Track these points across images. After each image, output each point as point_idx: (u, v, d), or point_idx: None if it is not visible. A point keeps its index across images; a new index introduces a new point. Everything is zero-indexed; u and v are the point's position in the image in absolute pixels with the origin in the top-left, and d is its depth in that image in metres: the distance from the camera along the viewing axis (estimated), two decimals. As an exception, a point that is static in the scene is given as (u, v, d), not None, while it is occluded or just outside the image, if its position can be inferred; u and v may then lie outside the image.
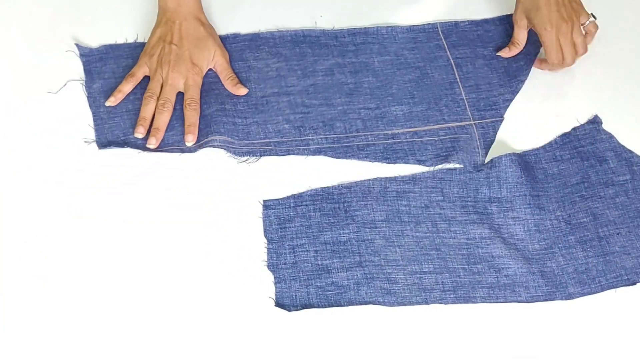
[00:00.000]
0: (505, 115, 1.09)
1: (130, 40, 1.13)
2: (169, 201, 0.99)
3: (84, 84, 1.08)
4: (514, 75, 1.12)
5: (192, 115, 1.04)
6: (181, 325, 0.90)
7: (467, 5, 1.20)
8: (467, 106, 1.09)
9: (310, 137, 1.05)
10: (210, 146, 1.02)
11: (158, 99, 1.04)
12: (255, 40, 1.13)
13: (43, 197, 0.98)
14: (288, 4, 1.18)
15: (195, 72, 1.06)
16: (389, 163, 1.04)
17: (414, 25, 1.17)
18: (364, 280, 0.94)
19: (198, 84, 1.06)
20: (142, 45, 1.11)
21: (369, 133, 1.06)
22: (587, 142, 1.07)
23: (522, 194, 1.01)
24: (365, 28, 1.16)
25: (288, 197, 1.00)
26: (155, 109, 1.04)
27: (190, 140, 1.03)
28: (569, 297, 0.95)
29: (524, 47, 1.14)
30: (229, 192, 1.00)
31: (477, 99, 1.10)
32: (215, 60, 1.09)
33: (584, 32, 1.11)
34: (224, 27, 1.15)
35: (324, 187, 1.01)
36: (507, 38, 1.16)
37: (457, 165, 1.03)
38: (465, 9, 1.19)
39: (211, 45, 1.08)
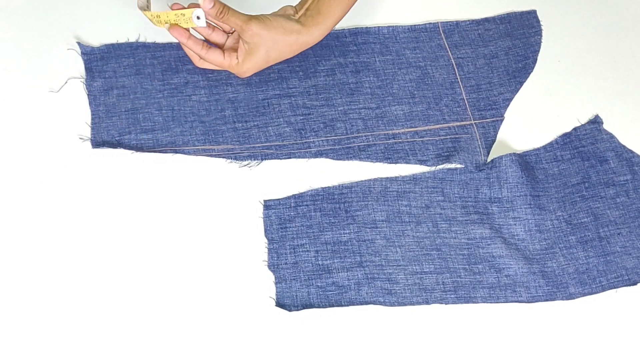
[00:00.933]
0: (505, 115, 1.09)
1: (132, 40, 1.12)
2: (169, 201, 0.99)
3: (85, 82, 1.08)
4: (514, 75, 1.13)
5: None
6: (181, 325, 0.90)
7: (468, 5, 1.20)
8: (467, 106, 1.10)
9: (312, 140, 1.05)
10: (208, 155, 1.02)
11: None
12: (256, 42, 1.13)
13: (43, 196, 0.98)
14: (288, 4, 1.18)
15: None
16: (389, 163, 1.04)
17: (415, 25, 1.17)
18: (365, 280, 0.94)
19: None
20: (143, 44, 1.11)
21: (369, 133, 1.06)
22: (587, 142, 1.07)
23: (523, 194, 1.01)
24: (367, 28, 1.16)
25: (289, 197, 1.00)
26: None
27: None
28: (570, 297, 0.95)
29: (525, 46, 1.14)
30: (229, 192, 1.00)
31: (478, 99, 1.10)
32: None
33: None
34: (225, 27, 1.15)
35: (325, 187, 1.01)
36: (509, 37, 1.16)
37: (458, 165, 1.03)
38: (466, 8, 1.19)
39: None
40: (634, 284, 0.96)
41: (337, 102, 1.08)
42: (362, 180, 1.02)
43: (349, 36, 1.15)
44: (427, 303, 0.94)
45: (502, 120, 1.09)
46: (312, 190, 1.01)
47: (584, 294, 0.96)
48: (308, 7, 1.07)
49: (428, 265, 0.96)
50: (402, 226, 0.99)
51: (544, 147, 1.06)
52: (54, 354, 0.88)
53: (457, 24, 1.17)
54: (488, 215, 1.00)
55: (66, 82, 1.07)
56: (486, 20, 1.18)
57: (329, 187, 1.01)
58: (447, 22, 1.18)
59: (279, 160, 1.03)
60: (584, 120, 1.09)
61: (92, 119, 1.05)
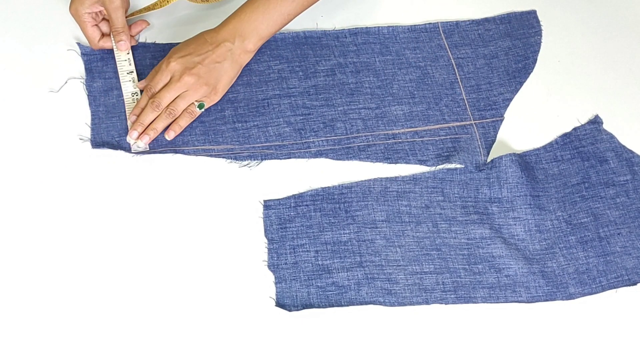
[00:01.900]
0: (505, 115, 1.09)
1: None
2: (169, 202, 0.99)
3: (85, 82, 1.08)
4: (514, 75, 1.13)
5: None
6: (182, 325, 0.90)
7: (468, 5, 1.19)
8: (467, 106, 1.09)
9: (311, 140, 1.05)
10: (207, 155, 1.02)
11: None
12: (257, 43, 1.13)
13: (43, 196, 0.98)
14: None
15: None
16: (389, 163, 1.04)
17: (415, 25, 1.17)
18: (365, 280, 0.94)
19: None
20: (143, 45, 1.11)
21: (369, 133, 1.06)
22: (587, 142, 1.07)
23: (523, 194, 1.01)
24: (367, 28, 1.16)
25: (289, 197, 1.00)
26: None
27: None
28: (570, 297, 0.95)
29: (525, 46, 1.14)
30: (229, 192, 1.00)
31: (478, 99, 1.10)
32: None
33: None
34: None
35: (325, 187, 1.01)
36: (508, 37, 1.16)
37: (458, 165, 1.03)
38: (466, 8, 1.19)
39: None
40: (634, 284, 0.96)
41: (337, 102, 1.08)
42: (362, 180, 1.02)
43: (349, 36, 1.15)
44: (427, 303, 0.94)
45: (502, 120, 1.09)
46: (312, 190, 1.01)
47: (584, 294, 0.96)
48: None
49: (428, 265, 0.96)
50: (402, 226, 0.99)
51: (544, 147, 1.06)
52: (53, 354, 0.88)
53: (457, 24, 1.17)
54: (488, 215, 1.00)
55: (66, 82, 1.08)
56: (486, 20, 1.18)
57: (329, 187, 1.01)
58: (447, 22, 1.17)
59: (279, 160, 1.03)
60: (584, 120, 1.09)
61: (92, 119, 1.05)
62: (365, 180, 1.02)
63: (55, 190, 0.98)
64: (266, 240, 0.97)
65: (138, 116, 1.02)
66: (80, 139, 1.03)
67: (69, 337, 0.89)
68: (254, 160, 1.03)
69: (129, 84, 1.07)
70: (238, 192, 1.00)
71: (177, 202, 0.99)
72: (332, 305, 0.93)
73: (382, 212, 1.00)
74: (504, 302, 0.94)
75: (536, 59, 1.14)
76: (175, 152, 1.02)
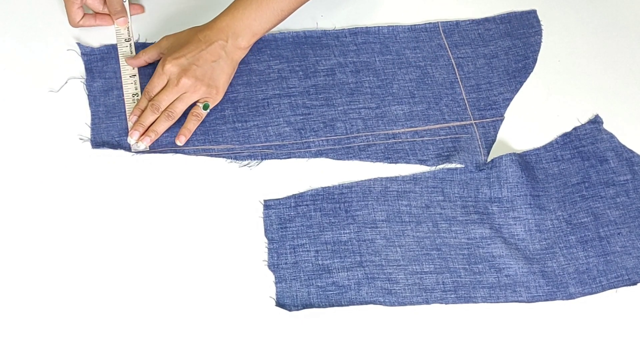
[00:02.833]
0: (505, 115, 1.09)
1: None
2: (169, 202, 0.99)
3: (85, 82, 1.08)
4: (514, 75, 1.13)
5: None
6: (182, 325, 0.90)
7: (468, 5, 1.19)
8: (467, 106, 1.10)
9: (311, 140, 1.05)
10: (207, 155, 1.02)
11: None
12: (257, 43, 1.13)
13: (42, 196, 0.98)
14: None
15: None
16: (390, 163, 1.04)
17: (415, 25, 1.17)
18: (365, 280, 0.94)
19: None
20: (143, 45, 1.11)
21: (369, 133, 1.06)
22: (587, 141, 1.07)
23: (523, 194, 1.01)
24: (367, 27, 1.16)
25: (289, 197, 1.00)
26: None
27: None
28: (570, 297, 0.95)
29: (525, 46, 1.14)
30: (229, 192, 1.00)
31: (478, 99, 1.10)
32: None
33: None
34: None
35: (325, 187, 1.01)
36: (508, 37, 1.16)
37: (458, 165, 1.03)
38: (466, 8, 1.19)
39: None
40: (634, 284, 0.96)
41: (337, 102, 1.08)
42: (362, 180, 1.02)
43: (349, 36, 1.15)
44: (427, 303, 0.94)
45: (502, 120, 1.09)
46: (312, 190, 1.01)
47: (584, 294, 0.96)
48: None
49: (428, 265, 0.96)
50: (402, 226, 0.99)
51: (544, 147, 1.06)
52: (53, 353, 0.88)
53: (457, 23, 1.17)
54: (488, 215, 1.00)
55: (66, 82, 1.08)
56: (486, 20, 1.18)
57: (329, 187, 1.01)
58: (447, 22, 1.18)
59: (279, 160, 1.03)
60: (584, 120, 1.09)
61: (92, 119, 1.05)
62: (365, 180, 1.02)
63: (55, 190, 0.98)
64: (266, 240, 0.97)
65: (139, 117, 1.02)
66: (80, 139, 1.03)
67: (69, 337, 0.89)
68: (254, 160, 1.03)
69: (130, 86, 1.07)
70: (238, 192, 1.00)
71: (177, 202, 0.99)
72: (332, 305, 0.93)
73: (382, 211, 1.00)
74: (504, 302, 0.94)
75: (536, 59, 1.14)
76: (175, 152, 1.03)
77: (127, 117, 1.04)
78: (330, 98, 1.09)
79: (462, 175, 1.03)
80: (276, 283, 0.94)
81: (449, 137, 1.07)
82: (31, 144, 1.02)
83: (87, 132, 1.03)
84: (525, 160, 1.04)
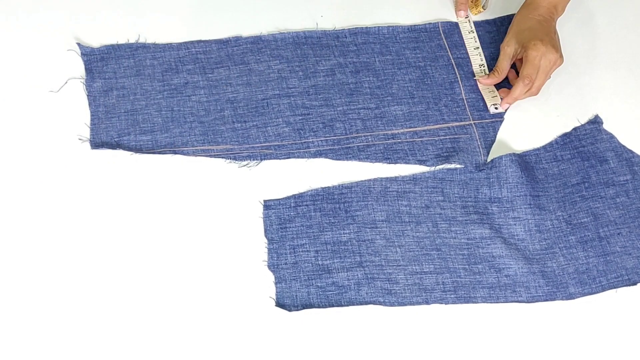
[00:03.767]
0: (505, 115, 1.09)
1: (132, 41, 1.12)
2: (169, 202, 0.99)
3: (85, 82, 1.08)
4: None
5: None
6: (182, 325, 0.90)
7: (468, 5, 1.20)
8: (466, 106, 1.09)
9: (311, 140, 1.05)
10: (207, 155, 1.02)
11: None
12: (257, 43, 1.13)
13: (42, 197, 0.98)
14: (289, 5, 1.18)
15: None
16: (389, 163, 1.04)
17: (415, 25, 1.17)
18: (365, 280, 0.94)
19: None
20: (143, 45, 1.12)
21: (369, 133, 1.06)
22: (587, 142, 1.07)
23: (523, 194, 1.01)
24: (367, 28, 1.16)
25: (288, 197, 1.00)
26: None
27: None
28: (570, 297, 0.95)
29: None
30: (229, 192, 1.00)
31: (477, 99, 1.10)
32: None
33: None
34: (226, 30, 1.14)
35: (325, 187, 1.01)
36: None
37: (458, 166, 1.03)
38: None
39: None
40: (634, 284, 0.96)
41: (337, 102, 1.08)
42: (362, 180, 1.02)
43: (349, 36, 1.15)
44: (427, 303, 0.94)
45: (502, 121, 1.09)
46: (312, 190, 1.01)
47: (584, 294, 0.95)
48: None
49: (428, 265, 0.96)
50: (402, 226, 0.99)
51: (544, 147, 1.06)
52: (53, 353, 0.88)
53: (457, 24, 1.17)
54: (488, 215, 1.00)
55: (66, 83, 1.08)
56: (486, 22, 1.18)
57: (328, 187, 1.01)
58: (447, 22, 1.18)
59: (279, 160, 1.03)
60: (584, 120, 1.09)
61: (92, 119, 1.05)
62: (365, 180, 1.02)
63: (54, 190, 0.99)
64: (266, 240, 0.97)
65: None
66: (80, 140, 1.03)
67: (70, 337, 0.89)
68: (254, 160, 1.03)
69: (477, 57, 1.13)
70: (238, 192, 1.00)
71: (176, 203, 0.99)
72: (332, 305, 0.93)
73: (382, 212, 1.00)
74: (504, 302, 0.94)
75: (536, 59, 1.14)
76: (175, 152, 1.03)
77: (477, 82, 1.11)
78: (329, 98, 1.09)
79: (462, 175, 1.03)
80: (276, 283, 0.94)
81: (448, 137, 1.07)
82: (31, 144, 1.02)
83: (87, 133, 1.03)
84: (525, 161, 1.04)
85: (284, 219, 0.98)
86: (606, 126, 1.08)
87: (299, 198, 1.00)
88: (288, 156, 1.03)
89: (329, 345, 0.90)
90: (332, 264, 0.95)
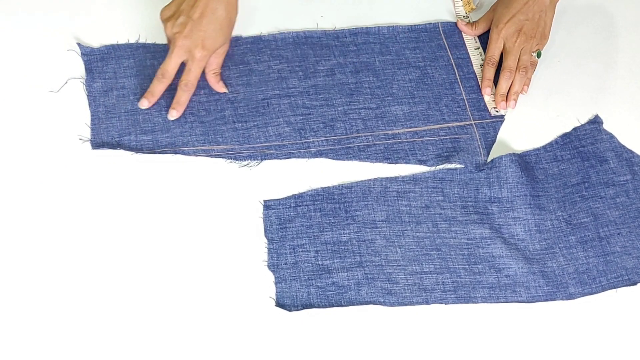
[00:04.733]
0: (505, 115, 1.09)
1: (132, 41, 1.12)
2: (169, 202, 0.99)
3: (85, 82, 1.08)
4: (514, 75, 1.13)
5: (183, 95, 1.04)
6: (182, 325, 0.90)
7: (468, 5, 1.20)
8: (467, 106, 1.10)
9: (311, 140, 1.05)
10: (207, 155, 1.02)
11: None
12: (257, 43, 1.13)
13: (42, 197, 0.98)
14: (289, 5, 1.18)
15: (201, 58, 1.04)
16: (389, 163, 1.04)
17: (415, 25, 1.17)
18: (365, 280, 0.94)
19: (200, 69, 1.05)
20: (143, 45, 1.12)
21: (369, 133, 1.06)
22: (587, 142, 1.07)
23: (523, 194, 1.01)
24: (367, 28, 1.16)
25: (289, 197, 1.00)
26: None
27: (173, 115, 1.03)
28: (570, 297, 0.95)
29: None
30: (229, 192, 1.00)
31: (478, 99, 1.10)
32: (219, 50, 1.07)
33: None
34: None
35: (325, 187, 1.01)
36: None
37: (458, 166, 1.03)
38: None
39: (227, 34, 1.06)
40: (634, 284, 0.96)
41: (337, 102, 1.08)
42: (362, 180, 1.02)
43: (349, 36, 1.15)
44: (427, 303, 0.94)
45: (502, 121, 1.09)
46: (312, 190, 1.01)
47: (584, 294, 0.95)
48: None
49: (428, 265, 0.96)
50: (402, 226, 0.99)
51: (544, 147, 1.06)
52: (53, 353, 0.88)
53: (457, 24, 1.18)
54: (488, 215, 1.00)
55: (66, 83, 1.08)
56: (486, 21, 1.18)
57: (328, 187, 1.01)
58: (447, 22, 1.18)
59: (279, 160, 1.03)
60: (584, 120, 1.09)
61: (92, 119, 1.05)
62: (365, 180, 1.02)
63: (55, 190, 0.99)
64: (266, 240, 0.97)
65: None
66: (80, 140, 1.03)
67: (70, 337, 0.89)
68: (254, 160, 1.03)
69: (477, 57, 1.14)
70: (238, 192, 1.00)
71: (177, 202, 0.99)
72: (332, 305, 0.93)
73: (382, 212, 1.00)
74: (504, 302, 0.94)
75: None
76: (175, 152, 1.03)
77: (480, 84, 1.11)
78: (330, 98, 1.09)
79: (462, 175, 1.03)
80: (276, 283, 0.94)
81: (448, 137, 1.07)
82: (31, 144, 1.02)
83: (87, 133, 1.03)
84: (525, 161, 1.04)
85: (284, 219, 0.98)
86: (606, 126, 1.08)
87: (299, 198, 1.00)
88: (288, 156, 1.03)
89: (329, 345, 0.90)
90: (332, 264, 0.95)
